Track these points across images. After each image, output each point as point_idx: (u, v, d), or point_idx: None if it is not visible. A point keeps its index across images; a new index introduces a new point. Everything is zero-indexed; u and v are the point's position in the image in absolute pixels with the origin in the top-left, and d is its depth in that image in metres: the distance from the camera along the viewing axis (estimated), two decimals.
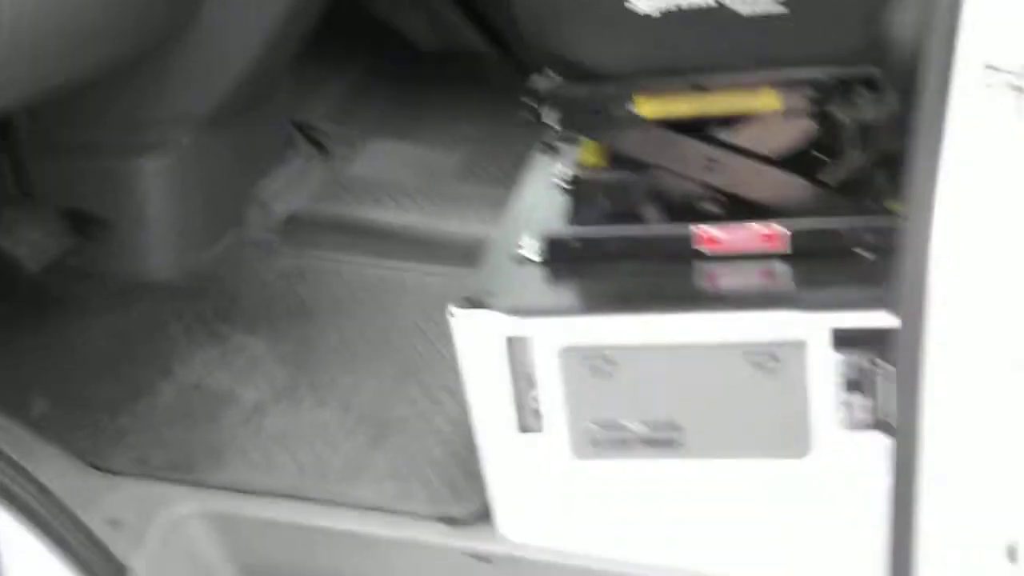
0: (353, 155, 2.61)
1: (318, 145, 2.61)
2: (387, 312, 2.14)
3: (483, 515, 1.68)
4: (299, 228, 2.38)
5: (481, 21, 2.91)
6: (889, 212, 1.54)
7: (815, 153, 1.60)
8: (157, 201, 2.23)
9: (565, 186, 1.73)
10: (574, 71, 1.55)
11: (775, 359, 1.49)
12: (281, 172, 2.45)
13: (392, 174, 2.56)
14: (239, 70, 2.20)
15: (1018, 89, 1.09)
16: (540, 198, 1.77)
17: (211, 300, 2.19)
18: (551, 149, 1.89)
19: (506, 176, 2.53)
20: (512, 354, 1.56)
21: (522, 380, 1.56)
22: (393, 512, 1.74)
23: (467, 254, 2.28)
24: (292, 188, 2.44)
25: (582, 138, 1.70)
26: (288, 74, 2.48)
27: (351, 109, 2.79)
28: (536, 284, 1.61)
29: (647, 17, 1.45)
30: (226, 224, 2.34)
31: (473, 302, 1.57)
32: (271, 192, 2.41)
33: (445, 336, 2.05)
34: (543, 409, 1.57)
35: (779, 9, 1.43)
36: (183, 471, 1.82)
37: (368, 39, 2.90)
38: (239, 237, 2.35)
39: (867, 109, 1.48)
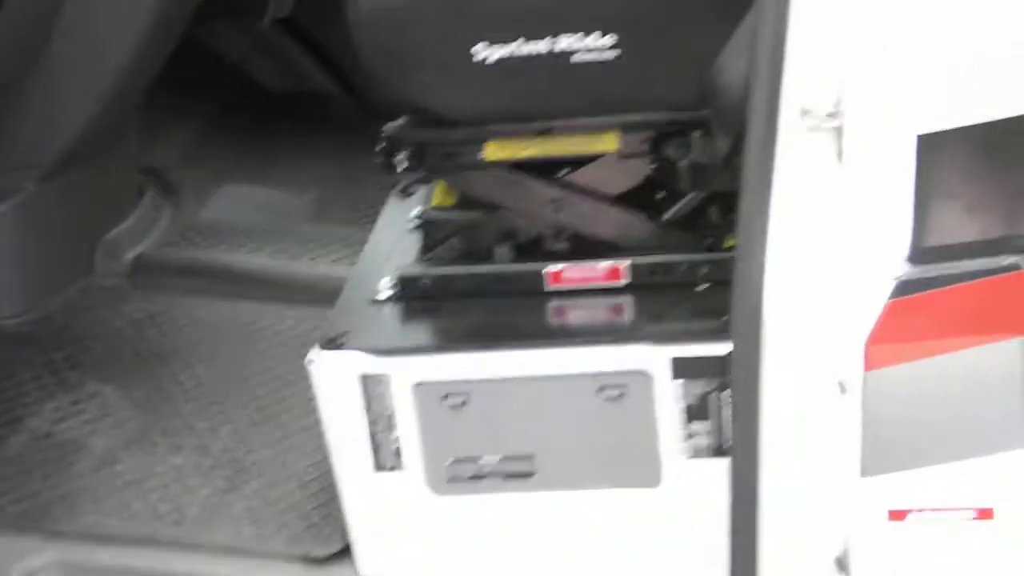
0: (203, 199, 2.61)
1: (167, 189, 2.61)
2: (241, 355, 2.15)
3: (343, 554, 1.70)
4: (149, 273, 2.37)
5: (327, 62, 2.95)
6: (723, 247, 1.64)
7: (654, 192, 1.68)
8: (3, 248, 2.20)
9: (418, 226, 1.78)
10: (423, 116, 1.60)
11: (623, 390, 1.55)
12: (130, 217, 2.44)
13: (243, 217, 2.57)
14: (86, 116, 2.19)
15: (836, 131, 1.17)
16: (394, 238, 1.82)
17: (61, 347, 2.16)
18: (404, 191, 1.94)
19: (358, 216, 2.58)
20: (369, 393, 1.59)
21: (380, 418, 1.59)
22: (252, 554, 1.75)
23: (321, 295, 2.31)
24: (141, 233, 2.43)
25: (434, 179, 1.76)
26: (135, 118, 2.48)
27: (200, 153, 2.79)
28: (391, 323, 1.65)
29: (491, 65, 1.50)
30: (75, 270, 2.32)
31: (330, 343, 1.59)
32: (120, 237, 2.39)
33: (302, 377, 2.08)
34: (401, 446, 1.60)
35: (613, 56, 1.50)
36: (36, 521, 1.80)
37: (215, 81, 2.90)
38: (88, 283, 2.32)
39: (700, 150, 1.56)
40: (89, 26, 2.10)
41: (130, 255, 2.38)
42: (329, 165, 2.75)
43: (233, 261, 2.41)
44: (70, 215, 2.30)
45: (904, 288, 1.17)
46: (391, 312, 1.67)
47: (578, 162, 1.65)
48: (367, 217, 2.57)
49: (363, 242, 2.47)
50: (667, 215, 1.66)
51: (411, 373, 1.58)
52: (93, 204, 2.35)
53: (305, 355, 2.17)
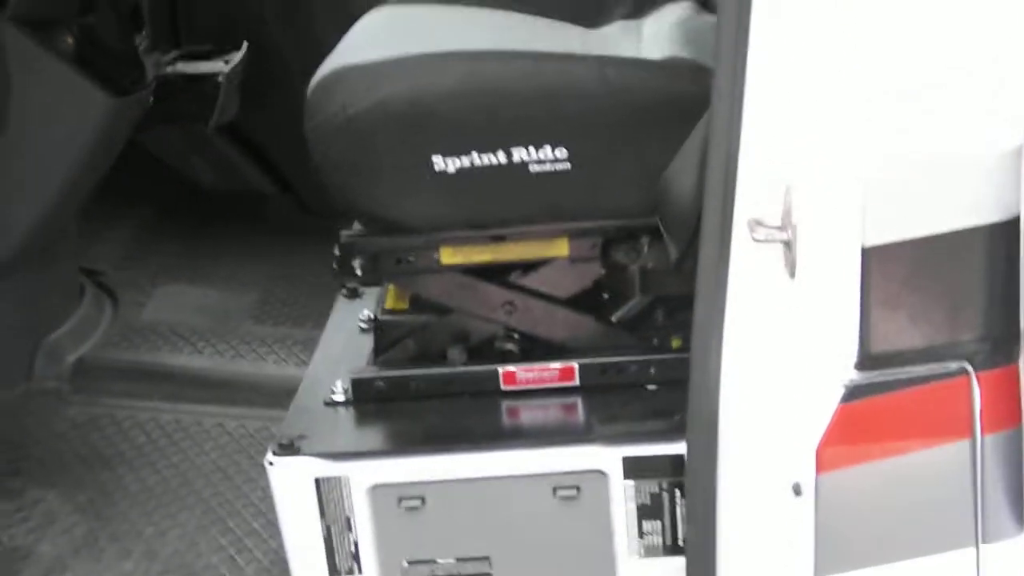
0: (143, 299, 2.61)
1: (107, 291, 2.61)
2: (187, 457, 2.15)
3: None
4: (90, 376, 2.36)
5: (264, 162, 2.98)
6: (670, 347, 1.69)
7: (600, 294, 1.73)
8: None
9: (371, 329, 1.81)
10: (379, 224, 1.64)
11: (577, 490, 1.58)
12: (70, 320, 2.43)
13: (184, 317, 2.58)
14: (30, 222, 2.20)
15: (785, 243, 1.23)
16: (345, 340, 1.84)
17: (1, 454, 2.14)
18: (352, 292, 1.97)
19: (299, 316, 2.61)
20: (325, 496, 1.60)
21: (336, 521, 1.60)
22: None
23: (265, 395, 2.33)
24: (82, 335, 2.43)
25: (385, 282, 1.79)
26: (76, 220, 2.48)
27: (138, 253, 2.80)
28: (346, 426, 1.67)
29: (448, 175, 1.55)
30: (14, 375, 2.30)
31: (286, 446, 1.61)
32: (61, 340, 2.39)
33: (249, 479, 2.10)
34: (358, 549, 1.61)
35: (566, 167, 1.56)
36: None
37: (152, 181, 2.92)
38: (28, 387, 2.31)
39: (649, 255, 1.62)
40: (35, 137, 2.12)
41: (71, 358, 2.38)
42: (268, 265, 2.78)
43: (175, 362, 2.41)
44: (11, 319, 2.29)
45: (854, 393, 1.22)
46: (346, 414, 1.69)
47: (529, 265, 1.69)
48: (308, 317, 2.61)
49: (305, 341, 2.51)
50: (615, 317, 1.71)
51: (367, 476, 1.60)
52: (34, 307, 2.35)
53: (252, 457, 2.18)
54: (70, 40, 2.12)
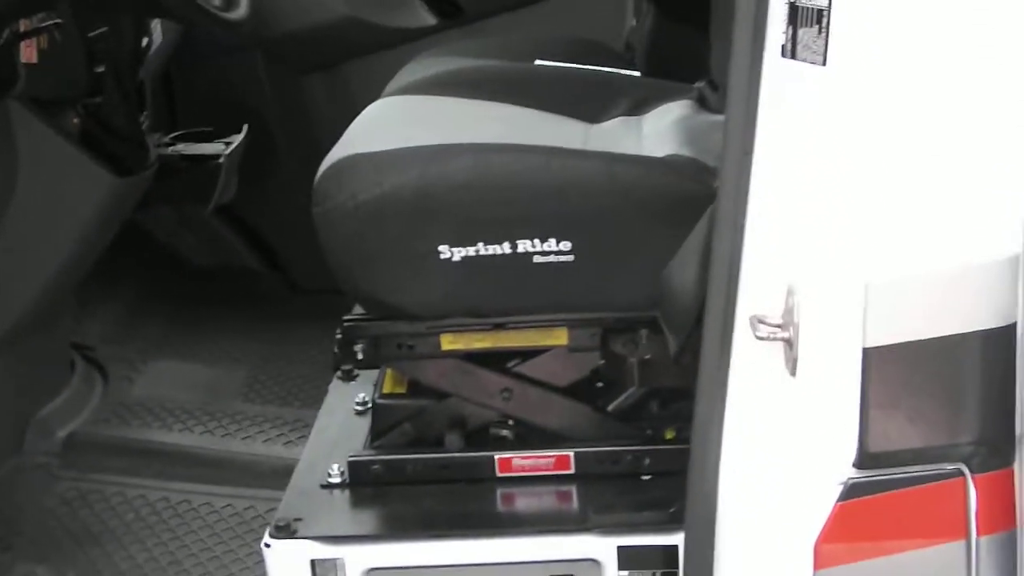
0: (133, 376, 2.62)
1: (97, 366, 2.61)
2: (176, 536, 2.14)
3: None
4: (80, 452, 2.36)
5: (253, 239, 3.01)
6: (664, 438, 1.71)
7: (594, 383, 1.76)
8: None
9: (367, 412, 1.83)
10: (382, 309, 1.66)
11: None
12: (61, 395, 2.44)
13: (174, 394, 2.58)
14: (27, 300, 2.21)
15: (786, 341, 1.26)
16: (341, 423, 1.86)
17: None
18: (347, 375, 1.99)
19: (289, 395, 2.62)
20: None
21: None
22: None
23: (255, 475, 2.34)
24: (72, 411, 2.43)
25: (384, 366, 1.81)
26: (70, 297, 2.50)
27: (128, 329, 2.81)
28: (343, 508, 1.68)
29: (454, 263, 1.58)
30: (4, 450, 2.30)
31: (282, 529, 1.61)
32: (52, 415, 2.39)
33: (238, 560, 2.10)
34: None
35: (569, 259, 1.59)
36: None
37: (142, 258, 2.94)
38: (18, 463, 2.31)
39: (647, 347, 1.65)
40: (39, 215, 2.14)
41: (61, 433, 2.38)
42: (258, 342, 2.79)
43: (165, 440, 2.42)
44: (3, 394, 2.29)
45: (852, 491, 1.24)
46: (342, 497, 1.70)
47: (528, 353, 1.72)
48: (298, 396, 2.62)
49: (294, 422, 2.52)
50: (611, 406, 1.74)
51: (363, 559, 1.61)
52: (26, 382, 2.35)
53: (240, 536, 2.17)
54: (76, 120, 2.16)
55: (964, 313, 1.19)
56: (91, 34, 2.13)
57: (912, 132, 1.17)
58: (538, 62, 2.14)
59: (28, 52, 2.00)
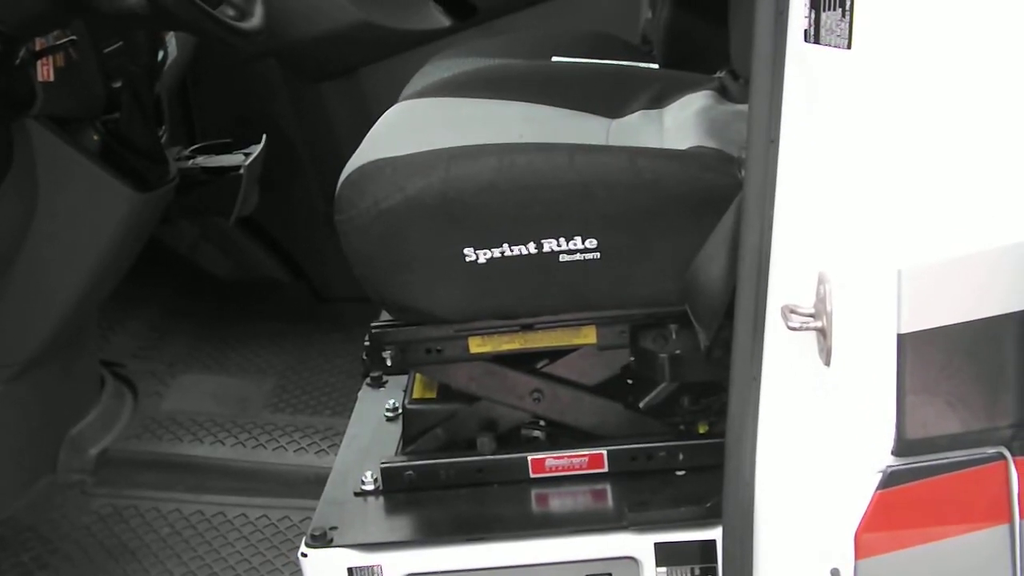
0: (163, 390, 2.62)
1: (127, 382, 2.62)
2: (212, 548, 2.14)
3: None
4: (113, 468, 2.37)
5: (276, 249, 3.02)
6: (697, 433, 1.70)
7: (624, 380, 1.75)
8: None
9: (398, 418, 1.82)
10: (409, 314, 1.66)
11: None
12: (92, 412, 2.44)
13: (203, 407, 2.59)
14: (57, 318, 2.22)
15: (819, 331, 1.25)
16: (373, 430, 1.85)
17: (28, 548, 2.14)
18: (376, 381, 1.99)
19: (318, 404, 2.62)
20: None
21: None
22: None
23: (288, 485, 2.34)
24: (104, 428, 2.44)
25: (411, 371, 1.80)
26: (97, 314, 2.51)
27: (155, 343, 2.82)
28: (377, 515, 1.67)
29: (479, 265, 1.57)
30: (39, 469, 2.31)
31: (319, 539, 1.61)
32: (82, 433, 2.40)
33: (276, 570, 2.10)
34: None
35: (596, 256, 1.58)
36: None
37: (166, 273, 2.95)
38: (53, 481, 2.31)
39: (677, 342, 1.64)
40: (62, 234, 2.15)
41: (94, 450, 2.38)
42: (284, 352, 2.79)
43: (196, 453, 2.42)
44: (36, 413, 2.30)
45: (891, 479, 1.23)
46: (376, 504, 1.69)
47: (557, 353, 1.71)
48: (327, 404, 2.62)
49: (325, 430, 2.52)
50: (643, 403, 1.73)
51: (400, 565, 1.60)
52: (58, 400, 2.36)
53: (276, 547, 2.17)
54: (96, 137, 2.16)
55: (999, 295, 1.18)
56: (106, 50, 2.13)
57: (941, 114, 1.16)
58: (555, 59, 2.13)
59: (45, 71, 2.01)
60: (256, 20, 2.03)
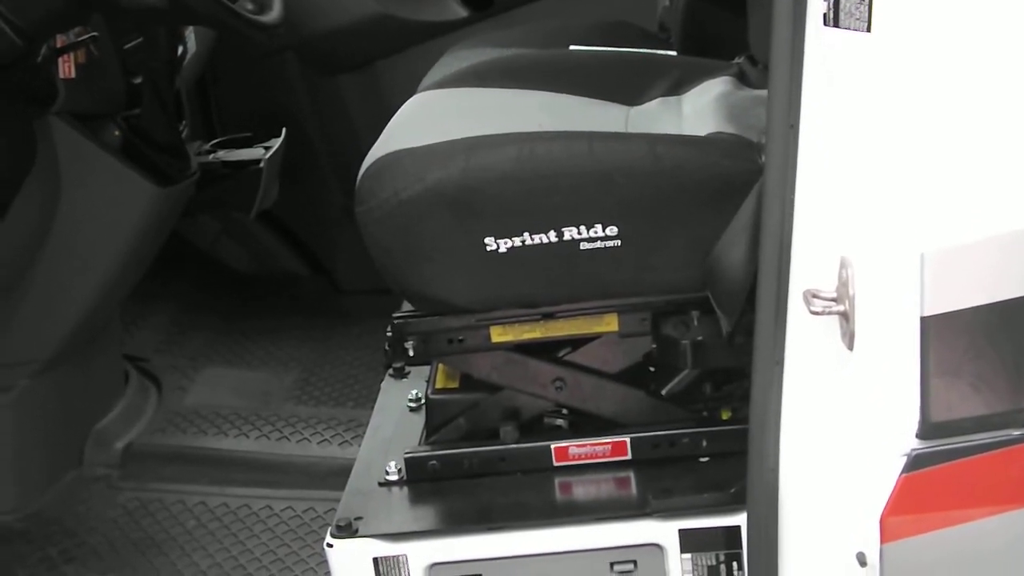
0: (187, 384, 2.64)
1: (151, 377, 2.64)
2: (239, 541, 2.16)
3: None
4: (138, 462, 2.39)
5: (294, 243, 3.03)
6: (720, 419, 1.70)
7: (646, 367, 1.75)
8: None
9: (420, 408, 1.83)
10: (430, 304, 1.66)
11: (635, 565, 1.59)
12: (117, 406, 2.46)
13: (226, 400, 2.60)
14: (80, 314, 2.23)
15: (842, 315, 1.25)
16: (396, 420, 1.86)
17: (55, 542, 2.16)
18: (399, 372, 1.99)
19: (341, 396, 2.63)
20: (384, 575, 1.61)
21: None
22: None
23: (312, 477, 2.35)
24: (129, 422, 2.46)
25: (433, 361, 1.81)
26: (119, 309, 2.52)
27: (177, 338, 2.83)
28: (402, 505, 1.68)
29: (500, 254, 1.57)
30: (65, 463, 2.33)
31: (344, 529, 1.62)
32: (109, 427, 2.41)
33: (301, 561, 2.11)
34: None
35: (616, 244, 1.58)
36: None
37: (187, 267, 2.96)
38: (79, 475, 2.33)
39: (699, 329, 1.64)
40: (84, 229, 2.16)
41: (119, 444, 2.40)
42: (305, 345, 2.81)
43: (221, 446, 2.44)
44: (61, 408, 2.32)
45: (916, 462, 1.23)
46: (400, 494, 1.70)
47: (579, 341, 1.71)
48: (348, 396, 2.63)
49: (348, 422, 2.52)
50: (665, 390, 1.72)
51: (425, 555, 1.61)
52: (82, 396, 2.38)
53: (302, 538, 2.18)
54: (117, 133, 2.17)
55: (1021, 276, 1.17)
56: (126, 46, 2.14)
57: (962, 96, 1.16)
58: (572, 47, 2.13)
59: (66, 68, 2.02)
60: (275, 14, 2.04)
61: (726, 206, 1.50)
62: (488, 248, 1.57)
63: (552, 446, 1.69)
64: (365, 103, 2.83)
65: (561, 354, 1.72)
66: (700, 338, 1.63)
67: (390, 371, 2.00)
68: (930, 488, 1.24)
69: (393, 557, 1.61)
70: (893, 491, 1.25)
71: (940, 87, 1.16)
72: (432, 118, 1.80)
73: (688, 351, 1.64)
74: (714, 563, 1.58)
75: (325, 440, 2.44)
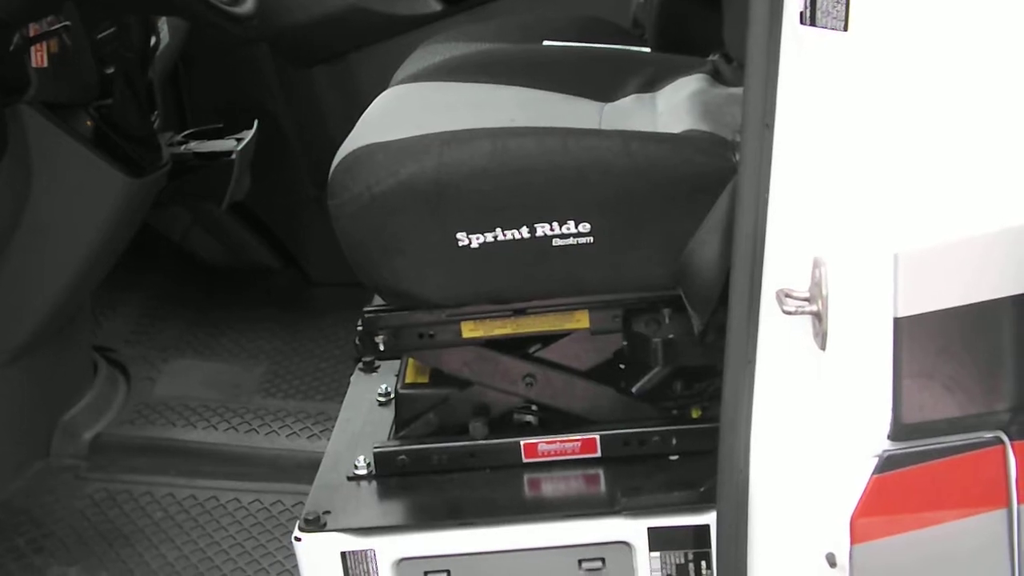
0: (156, 376, 2.62)
1: (120, 368, 2.62)
2: (206, 533, 2.15)
3: None
4: (106, 453, 2.37)
5: (266, 235, 3.01)
6: (690, 418, 1.70)
7: (616, 365, 1.74)
8: None
9: (390, 403, 1.82)
10: (402, 299, 1.65)
11: (603, 562, 1.58)
12: (85, 397, 2.44)
13: (196, 392, 2.58)
14: (50, 304, 2.22)
15: (815, 315, 1.25)
16: (365, 414, 1.85)
17: (22, 531, 2.14)
18: (368, 366, 1.98)
19: (310, 389, 2.62)
20: (351, 570, 1.60)
21: None
22: None
23: (280, 470, 2.34)
24: (97, 413, 2.44)
25: (403, 356, 1.80)
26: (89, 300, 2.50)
27: (147, 329, 2.81)
28: (370, 500, 1.67)
29: (472, 250, 1.57)
30: (33, 453, 2.31)
31: (312, 523, 1.61)
32: (76, 419, 2.40)
33: (268, 554, 2.10)
34: None
35: (589, 241, 1.57)
36: None
37: (157, 258, 2.95)
38: (47, 465, 2.32)
39: (670, 327, 1.63)
40: (55, 219, 2.14)
41: (87, 435, 2.38)
42: (275, 337, 2.79)
43: (189, 438, 2.42)
44: (29, 398, 2.30)
45: (887, 464, 1.23)
46: (369, 489, 1.69)
47: (550, 337, 1.71)
48: (319, 389, 2.62)
49: (317, 415, 2.51)
50: (635, 388, 1.72)
51: (394, 550, 1.60)
52: (51, 385, 2.36)
53: (270, 531, 2.17)
54: (89, 123, 2.15)
55: (995, 279, 1.17)
56: (99, 36, 2.12)
57: (938, 97, 1.16)
58: (546, 43, 2.12)
59: (38, 57, 2.00)
60: (249, 5, 2.02)
61: (700, 204, 1.50)
62: (460, 243, 1.57)
63: (522, 442, 1.69)
64: (338, 96, 2.82)
65: (532, 350, 1.71)
66: (671, 336, 1.63)
67: (360, 365, 1.99)
68: (901, 490, 1.24)
69: (361, 552, 1.60)
70: (864, 492, 1.25)
71: (916, 87, 1.16)
72: (406, 112, 1.79)
73: (659, 349, 1.63)
74: (683, 562, 1.58)
75: (294, 433, 2.43)
